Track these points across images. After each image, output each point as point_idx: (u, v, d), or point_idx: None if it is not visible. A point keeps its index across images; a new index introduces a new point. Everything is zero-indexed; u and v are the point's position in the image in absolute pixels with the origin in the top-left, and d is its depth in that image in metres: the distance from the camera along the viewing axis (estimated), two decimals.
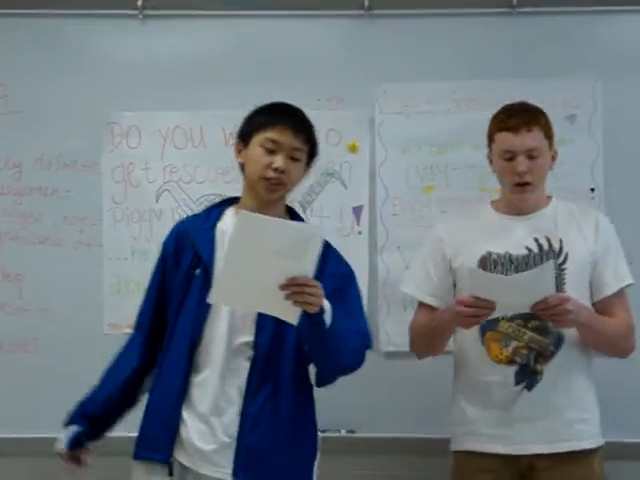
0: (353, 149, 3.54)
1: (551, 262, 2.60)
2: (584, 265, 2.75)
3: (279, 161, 2.52)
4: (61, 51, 3.62)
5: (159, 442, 2.49)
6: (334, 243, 3.43)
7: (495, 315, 2.63)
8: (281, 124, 2.55)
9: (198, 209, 3.50)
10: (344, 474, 3.44)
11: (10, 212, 3.57)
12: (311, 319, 2.36)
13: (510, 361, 2.72)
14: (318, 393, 3.37)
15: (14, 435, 3.47)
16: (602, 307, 2.76)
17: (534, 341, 2.71)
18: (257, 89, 3.53)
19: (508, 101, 3.36)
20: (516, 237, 2.76)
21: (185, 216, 3.05)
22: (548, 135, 2.80)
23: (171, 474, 2.48)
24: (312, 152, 2.64)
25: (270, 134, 2.54)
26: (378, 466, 3.36)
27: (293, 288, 2.29)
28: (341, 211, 3.53)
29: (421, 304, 2.91)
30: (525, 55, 3.54)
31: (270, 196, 2.57)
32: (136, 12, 3.59)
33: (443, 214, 3.41)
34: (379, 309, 3.47)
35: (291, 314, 2.34)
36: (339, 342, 2.46)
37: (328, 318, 2.40)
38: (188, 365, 2.50)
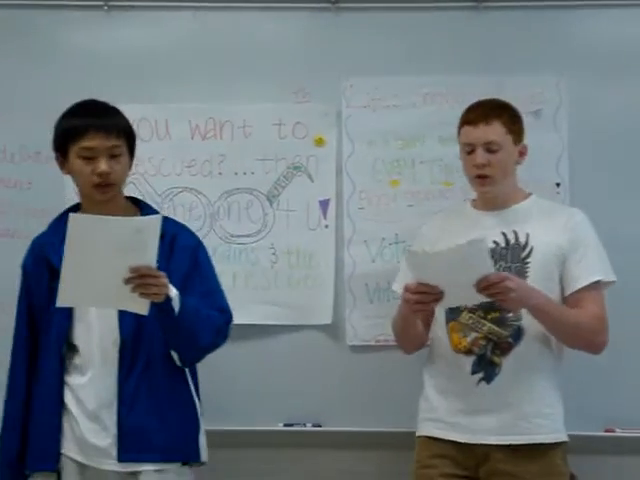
0: (320, 143, 3.53)
1: (481, 239, 2.58)
2: (550, 259, 2.76)
3: (101, 166, 2.57)
4: (25, 41, 3.57)
5: (45, 452, 2.57)
6: (301, 237, 3.49)
7: (447, 304, 2.66)
8: (90, 130, 2.58)
9: (163, 202, 3.50)
10: (310, 468, 3.45)
11: None
12: (159, 308, 2.44)
13: (468, 351, 2.75)
14: (284, 387, 3.39)
15: None
16: (572, 302, 2.77)
17: (492, 332, 2.73)
18: (223, 82, 3.54)
19: (474, 96, 3.37)
20: (485, 231, 2.77)
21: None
22: (512, 130, 2.82)
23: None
24: (131, 139, 2.69)
25: (83, 143, 2.59)
26: (344, 460, 3.36)
27: (136, 281, 2.36)
28: (308, 205, 3.52)
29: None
30: (491, 50, 3.54)
31: (106, 197, 2.62)
32: (101, 3, 3.56)
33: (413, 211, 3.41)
34: (345, 303, 3.46)
35: (140, 306, 2.41)
36: (194, 325, 2.53)
37: (176, 305, 2.47)
38: (61, 371, 2.58)
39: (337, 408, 3.42)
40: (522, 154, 2.87)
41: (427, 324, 2.88)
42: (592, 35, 3.61)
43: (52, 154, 3.46)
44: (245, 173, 3.54)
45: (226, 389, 3.40)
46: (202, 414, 2.67)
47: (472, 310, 2.75)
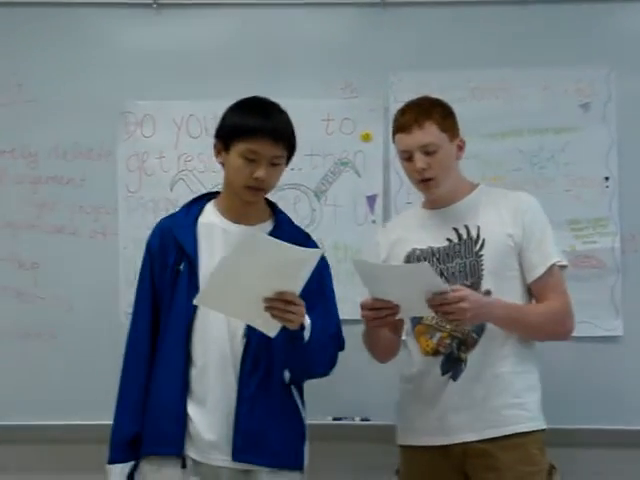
0: (367, 138, 3.54)
1: (426, 264, 2.56)
2: (503, 249, 2.72)
3: (260, 172, 2.57)
4: (76, 40, 3.62)
5: (170, 436, 2.53)
6: (349, 232, 3.50)
7: (404, 315, 2.65)
8: (261, 134, 2.57)
9: None
10: (358, 462, 3.47)
11: (26, 201, 3.58)
12: (290, 334, 2.44)
13: (435, 352, 2.72)
14: (331, 381, 3.40)
15: (32, 422, 3.47)
16: (535, 290, 2.73)
17: (456, 329, 2.70)
18: (271, 78, 3.56)
19: (522, 89, 3.40)
20: (437, 230, 2.77)
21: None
22: (445, 127, 2.76)
23: (184, 466, 2.53)
24: (291, 151, 2.69)
25: (250, 145, 2.58)
26: (392, 453, 3.36)
27: (277, 304, 2.36)
28: (355, 200, 3.54)
29: None
30: (538, 43, 3.53)
31: (252, 200, 2.64)
32: (150, 1, 3.60)
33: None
34: None
35: (271, 327, 2.41)
36: (315, 355, 2.54)
37: (307, 334, 2.47)
38: (187, 359, 2.55)
39: (386, 402, 3.40)
40: (460, 148, 2.81)
41: (396, 332, 2.85)
42: None
43: (104, 151, 3.57)
44: (293, 169, 3.51)
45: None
46: (306, 421, 2.68)
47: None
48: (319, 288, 2.62)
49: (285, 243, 2.41)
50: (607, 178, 3.46)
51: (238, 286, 2.34)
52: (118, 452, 2.62)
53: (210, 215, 2.67)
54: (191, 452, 2.54)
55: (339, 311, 3.43)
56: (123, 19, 3.65)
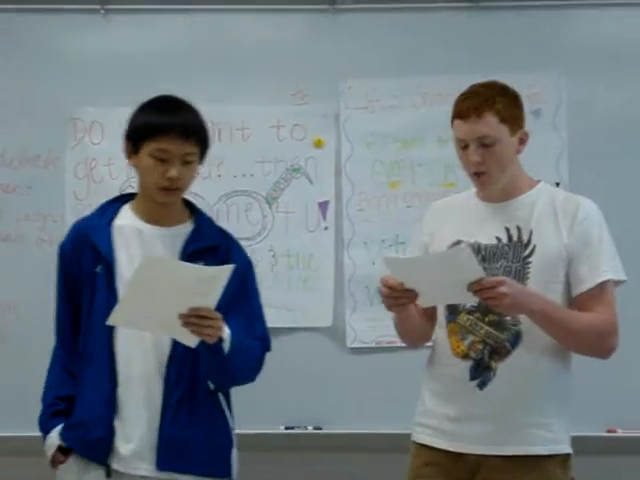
0: (319, 144, 3.53)
1: (465, 245, 2.45)
2: (554, 260, 2.57)
3: (173, 171, 2.48)
4: (22, 46, 3.58)
5: (95, 445, 2.48)
6: (301, 239, 3.49)
7: (436, 301, 2.57)
8: (170, 132, 2.48)
9: None
10: (311, 470, 3.45)
11: None
12: (209, 347, 2.39)
13: (465, 355, 2.59)
14: (284, 390, 3.39)
15: None
16: (580, 304, 2.57)
17: (490, 336, 2.58)
18: (221, 84, 3.54)
19: None
20: (488, 226, 2.62)
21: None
22: (507, 119, 2.56)
23: (109, 475, 2.48)
24: (204, 148, 2.59)
25: (159, 144, 2.48)
26: (345, 462, 3.36)
27: (192, 319, 2.31)
28: (307, 206, 3.52)
29: None
30: (489, 50, 3.54)
31: (167, 201, 2.55)
32: (98, 7, 3.57)
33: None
34: (345, 305, 3.46)
35: (190, 339, 2.37)
36: (237, 364, 2.48)
37: (227, 346, 2.41)
38: (111, 366, 2.48)
39: (338, 410, 3.42)
40: (522, 141, 2.63)
41: (429, 319, 2.71)
42: (592, 34, 3.62)
43: (51, 158, 3.52)
44: (244, 175, 3.54)
45: None
46: (234, 429, 2.61)
47: (470, 312, 2.64)
48: (242, 290, 2.55)
49: (190, 264, 2.37)
50: (558, 184, 3.47)
51: (151, 305, 2.31)
52: (47, 420, 2.56)
53: (126, 217, 2.58)
54: (114, 463, 2.48)
55: (293, 319, 3.45)
56: (71, 25, 3.62)
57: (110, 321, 2.36)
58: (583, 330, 2.55)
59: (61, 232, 3.43)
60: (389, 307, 2.53)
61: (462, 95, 2.61)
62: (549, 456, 2.54)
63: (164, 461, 2.46)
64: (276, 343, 3.43)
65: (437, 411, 2.62)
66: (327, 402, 3.42)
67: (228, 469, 2.55)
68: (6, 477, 3.44)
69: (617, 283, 2.61)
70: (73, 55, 3.59)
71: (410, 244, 2.80)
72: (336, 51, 3.54)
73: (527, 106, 3.43)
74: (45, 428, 2.56)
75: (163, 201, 2.53)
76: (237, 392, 3.37)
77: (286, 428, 3.46)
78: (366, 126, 3.51)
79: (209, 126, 3.43)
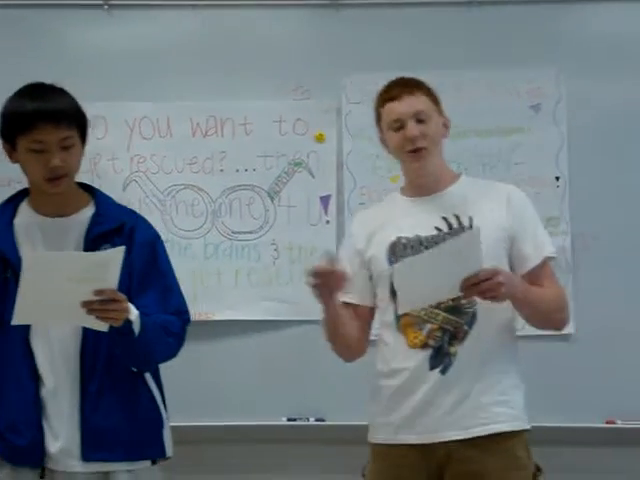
0: (320, 139, 3.55)
1: (477, 229, 2.46)
2: (497, 241, 2.60)
3: (54, 160, 2.41)
4: (26, 42, 3.59)
5: (24, 448, 2.43)
6: (303, 233, 3.51)
7: (414, 304, 2.55)
8: (39, 123, 2.40)
9: (165, 199, 3.53)
10: (314, 462, 3.47)
11: None
12: (118, 330, 2.35)
13: (424, 345, 2.58)
14: (286, 382, 3.41)
15: None
16: (528, 281, 2.61)
17: (448, 322, 2.58)
18: (224, 79, 3.55)
19: (473, 90, 3.40)
20: (424, 218, 2.64)
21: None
22: (435, 101, 2.68)
23: (42, 477, 2.44)
24: (82, 126, 2.52)
25: (33, 136, 2.41)
26: (347, 454, 3.37)
27: (95, 305, 2.27)
28: (309, 201, 3.54)
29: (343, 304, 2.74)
30: (489, 45, 3.56)
31: (59, 190, 2.48)
32: (101, 2, 3.58)
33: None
34: None
35: (100, 324, 2.34)
36: (152, 344, 2.44)
37: (137, 327, 2.37)
38: (31, 366, 2.45)
39: (340, 402, 3.44)
40: (446, 126, 2.71)
41: (362, 328, 2.72)
42: (591, 29, 3.62)
43: None
44: (246, 170, 3.56)
45: (229, 384, 3.43)
46: (166, 409, 2.56)
47: None
48: (152, 265, 2.51)
49: (76, 253, 2.36)
50: (558, 178, 3.50)
51: (51, 298, 2.28)
52: None
53: (25, 214, 2.52)
54: (47, 462, 2.44)
55: (295, 312, 3.46)
56: (75, 20, 3.62)
57: (14, 321, 2.31)
58: (549, 306, 2.63)
59: None
60: (318, 294, 2.55)
61: (386, 86, 2.72)
62: (513, 434, 2.56)
63: (90, 452, 2.42)
64: (278, 336, 3.51)
65: (399, 407, 2.60)
66: (329, 394, 3.43)
67: (161, 449, 2.51)
68: None
69: (552, 259, 2.70)
70: (76, 50, 3.60)
71: (341, 258, 2.73)
72: (338, 46, 3.56)
73: (527, 101, 3.52)
74: None
75: (54, 192, 2.47)
76: (239, 384, 3.43)
77: (288, 420, 3.48)
78: (367, 121, 3.48)
79: (212, 121, 3.56)
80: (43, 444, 2.43)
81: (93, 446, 2.42)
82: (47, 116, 2.41)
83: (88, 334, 2.42)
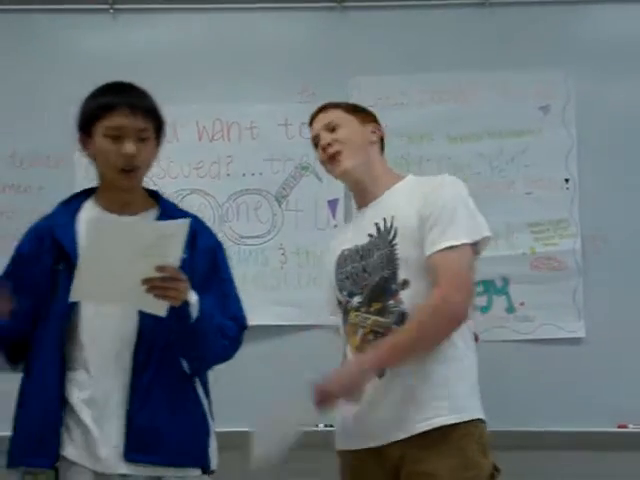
0: None
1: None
2: (412, 232, 2.56)
3: (128, 147, 2.44)
4: (32, 46, 3.60)
5: (42, 446, 2.39)
6: (310, 237, 3.49)
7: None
8: (118, 108, 2.45)
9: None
10: (323, 470, 3.44)
11: None
12: (177, 312, 2.33)
13: (360, 349, 2.58)
14: (292, 388, 3.38)
15: None
16: (428, 267, 2.52)
17: (377, 324, 2.57)
18: (230, 83, 3.54)
19: (482, 92, 3.38)
20: (362, 227, 2.67)
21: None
22: (352, 112, 2.71)
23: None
24: (159, 128, 2.56)
25: (110, 121, 2.45)
26: None
27: (156, 282, 2.26)
28: (316, 204, 3.53)
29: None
30: (497, 47, 3.55)
31: (130, 184, 2.50)
32: (107, 6, 3.58)
33: None
34: None
35: (158, 307, 2.30)
36: (208, 335, 2.42)
37: (194, 311, 2.36)
38: (62, 361, 2.42)
39: None
40: (375, 132, 2.72)
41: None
42: (600, 31, 3.61)
43: (62, 158, 3.53)
44: (253, 174, 3.55)
45: (238, 391, 3.40)
46: (213, 420, 2.54)
47: (357, 308, 2.61)
48: (213, 270, 2.52)
49: (144, 222, 2.35)
50: (567, 180, 3.47)
51: (111, 274, 2.24)
52: None
53: (90, 210, 2.53)
54: (88, 462, 2.39)
55: (303, 316, 3.45)
56: (80, 25, 3.63)
57: (71, 297, 2.29)
58: (416, 336, 2.49)
59: None
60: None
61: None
62: (457, 427, 2.49)
63: (133, 453, 2.38)
64: (285, 341, 3.49)
65: (346, 414, 2.59)
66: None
67: (205, 459, 2.48)
68: None
69: (482, 242, 2.57)
70: (82, 54, 3.60)
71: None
72: (344, 49, 3.55)
73: (535, 102, 3.50)
74: None
75: (124, 185, 2.48)
76: (248, 391, 3.40)
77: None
78: None
79: (218, 125, 3.54)
80: (59, 446, 2.38)
81: (136, 447, 2.38)
82: (127, 104, 2.46)
83: (144, 329, 2.41)
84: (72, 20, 3.62)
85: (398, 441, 2.51)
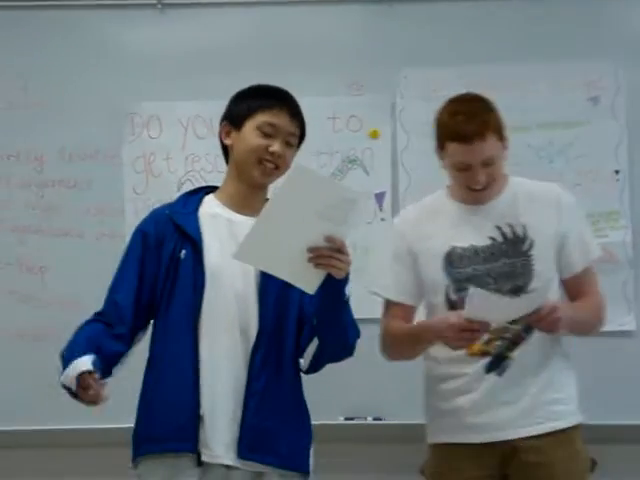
0: (374, 135, 3.53)
1: (536, 296, 2.55)
2: (550, 249, 2.66)
3: (277, 146, 2.48)
4: (80, 42, 3.63)
5: (182, 432, 2.38)
6: (358, 230, 3.47)
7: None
8: (279, 107, 2.52)
9: None
10: (372, 461, 3.45)
11: (33, 205, 3.58)
12: (332, 287, 2.31)
13: (484, 353, 2.62)
14: (343, 380, 3.39)
15: (36, 427, 3.47)
16: (571, 284, 2.69)
17: (507, 330, 2.61)
18: (276, 76, 3.51)
19: (531, 84, 3.37)
20: (478, 228, 2.67)
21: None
22: (501, 134, 2.63)
23: (200, 464, 2.38)
24: (303, 134, 2.61)
25: (268, 117, 2.50)
26: (405, 453, 3.35)
27: (324, 251, 2.25)
28: None
29: (391, 303, 2.77)
30: (547, 37, 3.53)
31: (264, 180, 2.52)
32: (155, 1, 3.60)
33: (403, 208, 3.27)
34: None
35: (310, 282, 2.28)
36: (349, 324, 2.44)
37: (348, 291, 2.38)
38: (195, 349, 2.40)
39: (399, 401, 3.41)
40: (506, 148, 2.68)
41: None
42: None
43: (110, 153, 3.56)
44: None
45: None
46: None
47: None
48: None
49: (336, 181, 2.35)
50: (617, 171, 3.44)
51: (281, 235, 2.24)
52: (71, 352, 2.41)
53: (211, 206, 2.54)
54: (202, 454, 2.38)
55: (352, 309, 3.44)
56: (127, 20, 3.65)
57: (235, 256, 2.30)
58: (592, 322, 2.70)
59: (121, 226, 3.51)
60: (459, 346, 2.55)
61: (449, 113, 2.66)
62: (571, 429, 2.62)
63: (247, 451, 2.38)
64: None
65: (458, 408, 2.64)
66: (387, 392, 3.41)
67: (308, 465, 2.49)
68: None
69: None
70: (130, 50, 3.63)
71: (388, 252, 2.79)
72: (391, 42, 3.54)
73: (585, 93, 3.47)
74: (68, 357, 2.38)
75: (258, 178, 2.50)
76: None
77: (345, 419, 3.46)
78: (422, 116, 3.45)
79: None
80: (198, 431, 2.38)
81: (250, 445, 2.38)
82: (290, 107, 2.55)
83: (264, 331, 2.41)
84: (119, 16, 3.64)
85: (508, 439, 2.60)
